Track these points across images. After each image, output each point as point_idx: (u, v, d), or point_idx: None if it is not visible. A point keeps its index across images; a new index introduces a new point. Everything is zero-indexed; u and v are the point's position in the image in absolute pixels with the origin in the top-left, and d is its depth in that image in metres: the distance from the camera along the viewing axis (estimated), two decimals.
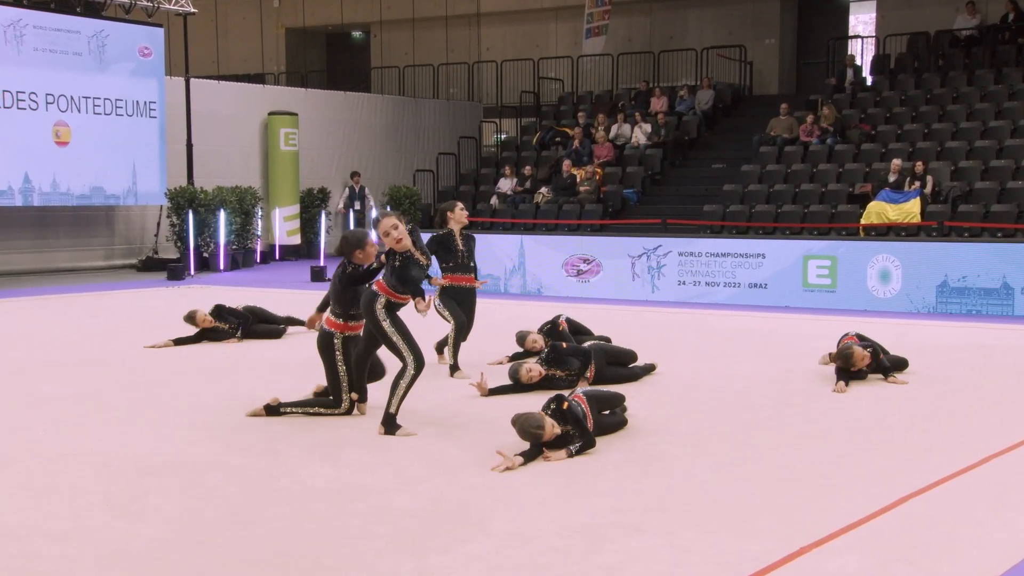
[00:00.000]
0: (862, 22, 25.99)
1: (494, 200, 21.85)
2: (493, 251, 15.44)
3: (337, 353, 6.74)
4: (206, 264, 19.40)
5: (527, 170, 22.06)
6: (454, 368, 8.57)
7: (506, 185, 22.00)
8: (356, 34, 31.57)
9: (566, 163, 21.04)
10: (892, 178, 17.18)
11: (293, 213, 22.36)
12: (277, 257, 21.99)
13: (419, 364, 6.36)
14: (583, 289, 14.74)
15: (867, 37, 24.35)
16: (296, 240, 22.51)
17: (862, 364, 7.86)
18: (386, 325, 6.38)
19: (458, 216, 8.69)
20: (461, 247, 8.69)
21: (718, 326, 11.70)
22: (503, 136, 26.61)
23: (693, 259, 14.19)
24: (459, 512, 4.87)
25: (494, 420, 6.75)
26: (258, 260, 21.15)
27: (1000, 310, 12.10)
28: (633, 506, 4.98)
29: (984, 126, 18.75)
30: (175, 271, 17.82)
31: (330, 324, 6.76)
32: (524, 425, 5.75)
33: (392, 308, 6.44)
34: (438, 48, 28.91)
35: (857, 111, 20.48)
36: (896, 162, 17.39)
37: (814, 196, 18.13)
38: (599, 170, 21.30)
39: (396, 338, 6.37)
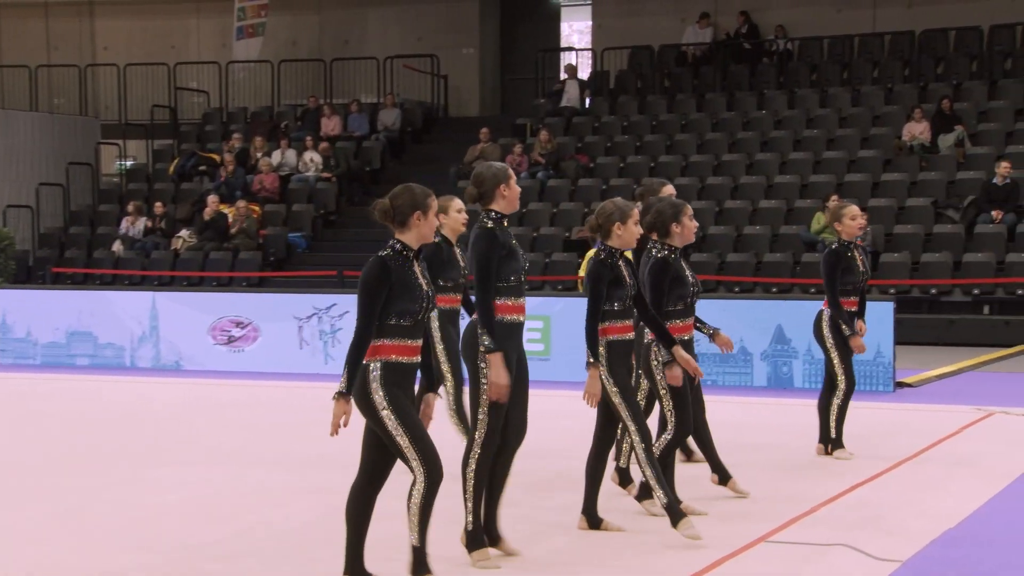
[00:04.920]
0: (577, 31, 27.47)
1: (117, 246, 21.17)
2: (115, 312, 14.97)
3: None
4: None
5: (159, 207, 21.54)
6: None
7: (133, 227, 21.35)
8: None
9: (212, 198, 20.74)
10: None
11: None
12: None
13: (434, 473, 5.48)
14: (236, 361, 14.52)
15: (582, 50, 25.78)
16: None
17: None
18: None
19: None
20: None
21: None
22: (129, 163, 25.89)
23: None
24: None
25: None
26: None
27: (739, 379, 13.03)
28: None
29: (717, 160, 20.30)
30: None
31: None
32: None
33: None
34: (36, 44, 27.76)
35: (573, 139, 21.59)
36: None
37: (524, 242, 18.88)
38: (256, 208, 21.14)
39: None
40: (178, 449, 9.38)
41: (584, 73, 24.13)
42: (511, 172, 6.11)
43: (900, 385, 12.53)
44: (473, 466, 5.97)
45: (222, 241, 20.47)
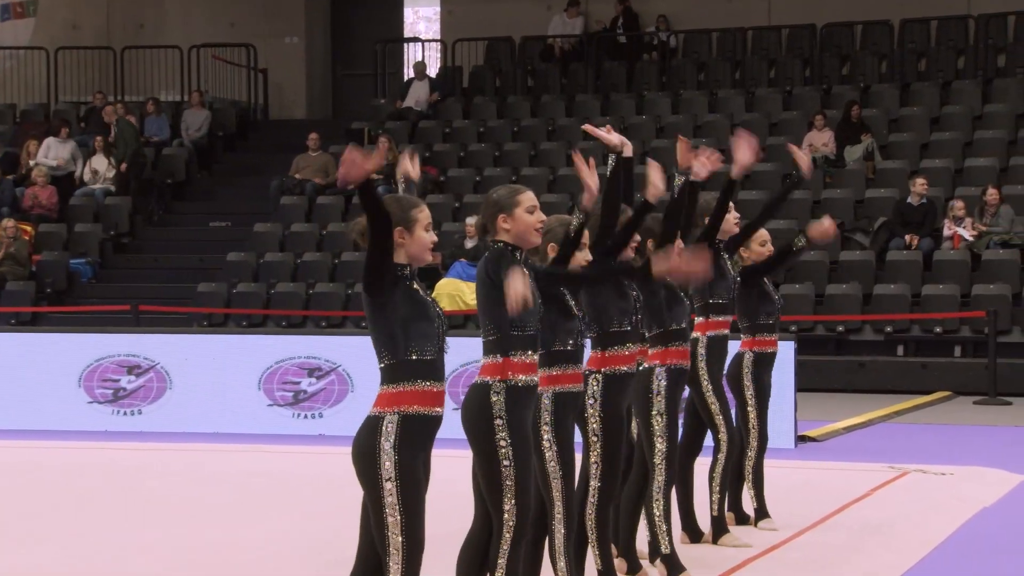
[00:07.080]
0: (423, 18, 27.60)
1: None
2: None
3: None
4: None
5: None
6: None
7: None
8: None
9: None
10: (471, 244, 18.33)
11: None
12: None
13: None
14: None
15: (429, 41, 25.93)
16: None
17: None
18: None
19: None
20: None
21: (227, 470, 11.80)
22: None
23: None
24: None
25: None
26: None
27: None
28: None
29: None
30: None
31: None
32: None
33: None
34: None
35: (419, 147, 21.68)
36: (470, 222, 18.60)
37: (361, 270, 18.88)
38: (28, 228, 20.80)
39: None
40: None
41: (432, 69, 24.22)
42: (523, 199, 5.81)
43: (802, 439, 12.80)
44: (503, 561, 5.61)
45: None
